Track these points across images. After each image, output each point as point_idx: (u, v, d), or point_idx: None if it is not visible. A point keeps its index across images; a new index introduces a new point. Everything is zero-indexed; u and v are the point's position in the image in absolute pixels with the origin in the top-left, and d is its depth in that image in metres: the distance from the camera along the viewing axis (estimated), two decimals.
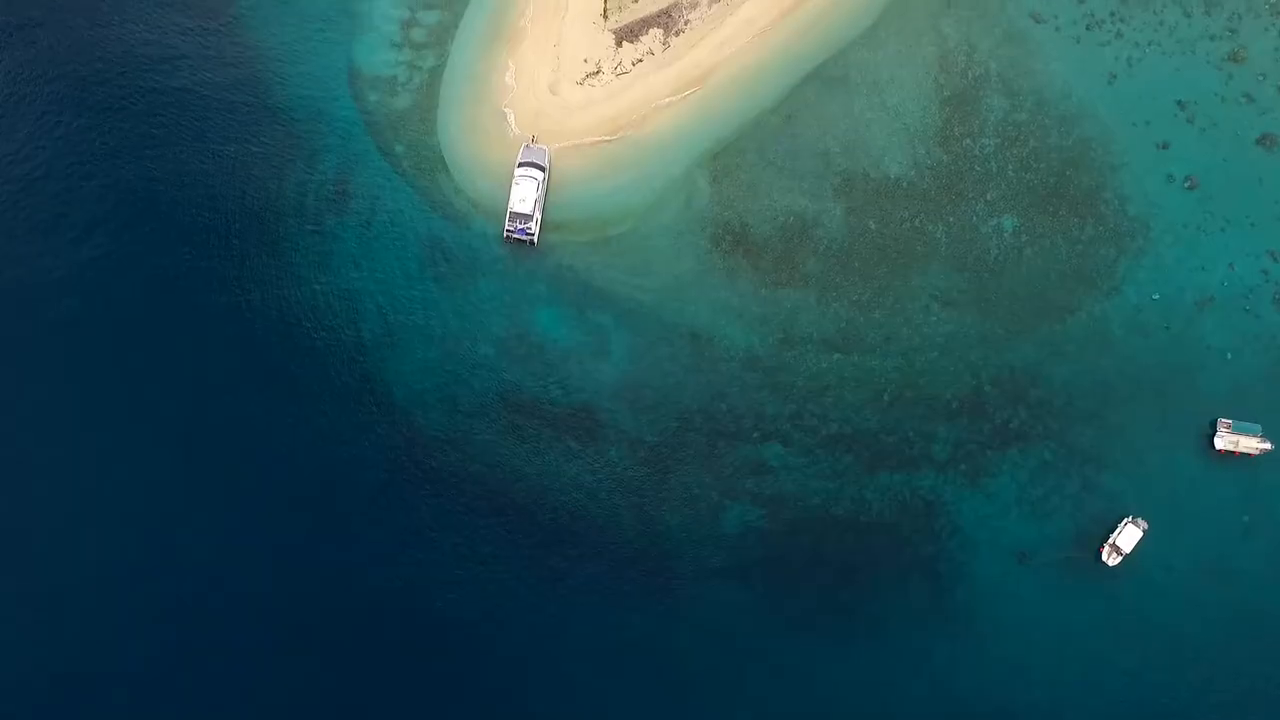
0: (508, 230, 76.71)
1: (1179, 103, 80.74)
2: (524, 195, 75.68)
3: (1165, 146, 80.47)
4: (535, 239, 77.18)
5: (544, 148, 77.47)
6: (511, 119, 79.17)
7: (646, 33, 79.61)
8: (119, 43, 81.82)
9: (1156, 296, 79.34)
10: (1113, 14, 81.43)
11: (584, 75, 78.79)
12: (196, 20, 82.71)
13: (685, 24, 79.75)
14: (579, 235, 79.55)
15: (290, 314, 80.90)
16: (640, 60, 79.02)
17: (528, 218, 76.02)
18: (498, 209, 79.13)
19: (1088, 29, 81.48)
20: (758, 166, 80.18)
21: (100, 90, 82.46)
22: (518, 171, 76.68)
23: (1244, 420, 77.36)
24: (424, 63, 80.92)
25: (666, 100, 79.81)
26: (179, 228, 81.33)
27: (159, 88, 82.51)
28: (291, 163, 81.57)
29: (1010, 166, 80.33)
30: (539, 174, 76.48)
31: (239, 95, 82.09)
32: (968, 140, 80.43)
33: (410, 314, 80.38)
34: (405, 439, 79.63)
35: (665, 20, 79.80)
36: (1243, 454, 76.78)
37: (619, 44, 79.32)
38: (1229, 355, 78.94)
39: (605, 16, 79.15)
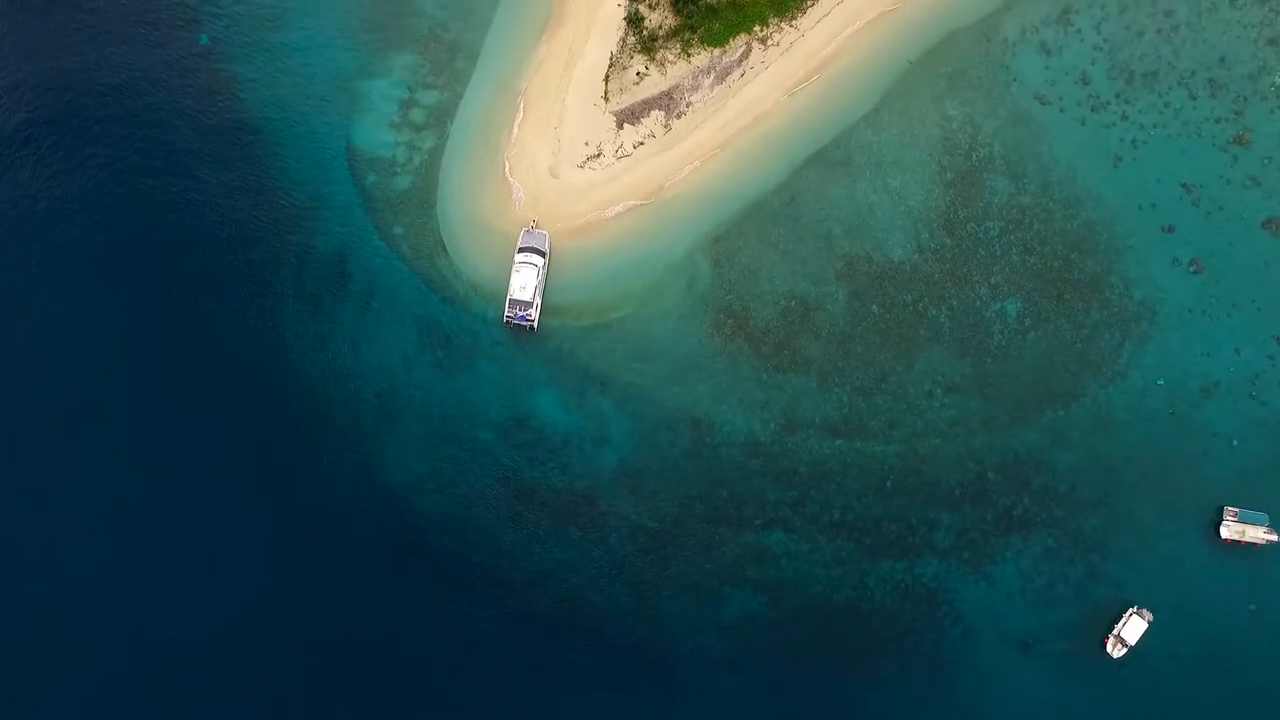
0: (508, 317, 77.53)
1: (1184, 186, 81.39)
2: (524, 282, 76.28)
3: (1171, 230, 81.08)
4: (535, 324, 77.58)
5: (544, 232, 78.06)
6: (511, 202, 79.58)
7: (648, 115, 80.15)
8: (119, 122, 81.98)
9: (1161, 382, 79.87)
10: (1118, 95, 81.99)
11: (585, 158, 79.36)
12: (194, 99, 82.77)
13: (687, 106, 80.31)
14: (579, 319, 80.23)
15: (287, 395, 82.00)
16: (642, 143, 79.59)
17: (528, 305, 76.70)
18: (497, 292, 79.73)
19: (1093, 111, 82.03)
20: (760, 249, 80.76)
21: (92, 166, 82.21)
22: (518, 257, 77.29)
23: (1250, 509, 78.10)
24: (423, 144, 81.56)
25: (668, 183, 79.94)
26: (174, 307, 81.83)
27: (156, 167, 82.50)
28: (289, 242, 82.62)
29: (1014, 250, 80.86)
30: (539, 260, 77.03)
31: (236, 174, 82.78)
32: (971, 223, 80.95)
33: (409, 397, 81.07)
34: (403, 524, 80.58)
35: (667, 102, 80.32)
36: (1249, 543, 76.86)
37: (620, 126, 79.85)
38: (1235, 442, 79.50)
39: (606, 99, 79.71)
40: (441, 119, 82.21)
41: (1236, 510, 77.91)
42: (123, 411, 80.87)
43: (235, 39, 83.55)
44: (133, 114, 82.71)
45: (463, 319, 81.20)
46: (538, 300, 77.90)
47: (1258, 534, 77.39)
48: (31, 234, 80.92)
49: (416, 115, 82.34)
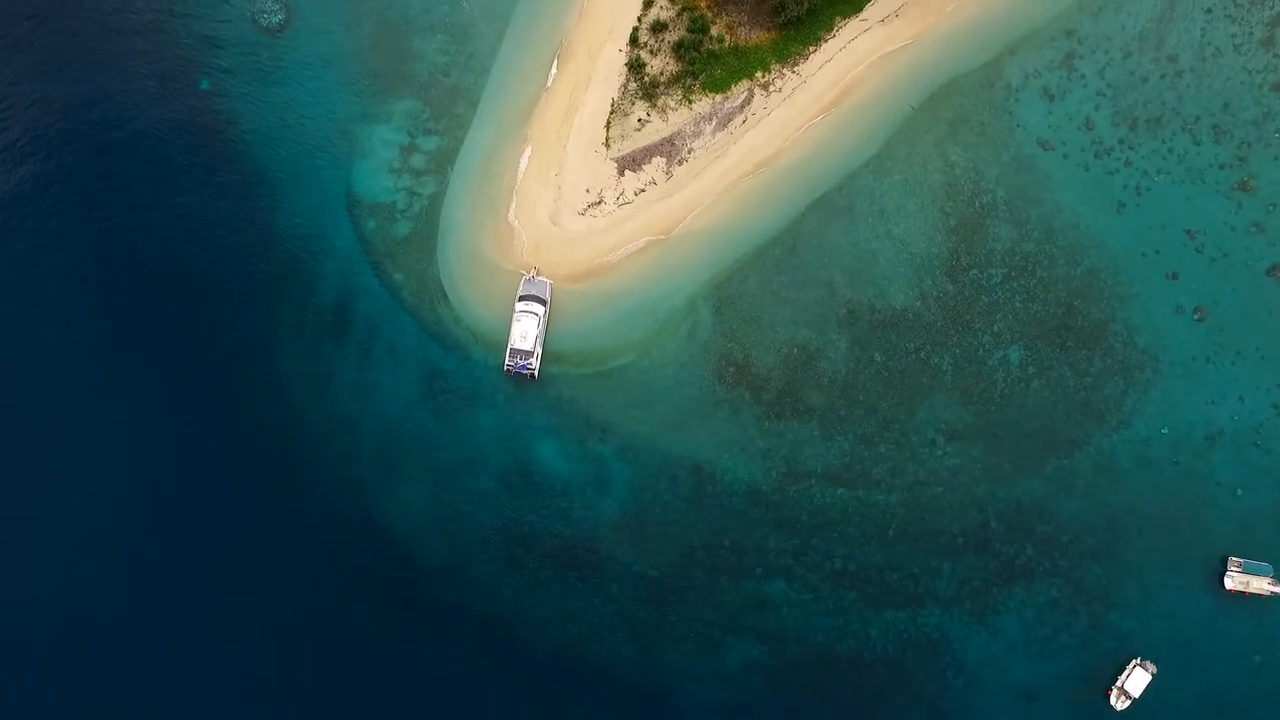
0: (508, 365, 77.87)
1: (1188, 232, 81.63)
2: (525, 331, 76.60)
3: (1174, 277, 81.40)
4: (536, 373, 77.80)
5: (545, 281, 78.36)
6: (512, 249, 79.65)
7: (649, 161, 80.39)
8: (119, 177, 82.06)
9: (1165, 431, 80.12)
10: (1121, 141, 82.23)
11: (586, 205, 79.59)
12: (194, 144, 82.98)
13: (689, 153, 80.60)
14: (580, 367, 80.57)
15: (287, 442, 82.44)
16: (643, 190, 79.85)
17: (528, 354, 77.04)
18: (498, 339, 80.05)
19: (1096, 157, 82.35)
20: (761, 297, 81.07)
21: (90, 216, 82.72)
22: (518, 306, 77.60)
23: (1254, 559, 78.23)
24: (424, 190, 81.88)
25: (668, 230, 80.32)
26: (173, 355, 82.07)
27: (154, 214, 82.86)
28: (290, 288, 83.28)
29: (1017, 297, 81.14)
30: (540, 308, 77.35)
31: (236, 218, 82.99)
32: (974, 270, 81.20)
33: (409, 444, 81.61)
34: (403, 571, 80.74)
35: (669, 149, 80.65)
36: (1253, 594, 77.05)
37: (621, 173, 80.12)
38: (1239, 492, 79.77)
39: (607, 145, 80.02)
40: (442, 165, 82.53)
41: (1241, 561, 78.20)
42: (122, 459, 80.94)
43: (235, 84, 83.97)
44: (132, 160, 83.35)
45: (463, 366, 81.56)
46: (538, 349, 78.20)
47: (1262, 585, 77.67)
48: (28, 289, 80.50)
49: (417, 161, 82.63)
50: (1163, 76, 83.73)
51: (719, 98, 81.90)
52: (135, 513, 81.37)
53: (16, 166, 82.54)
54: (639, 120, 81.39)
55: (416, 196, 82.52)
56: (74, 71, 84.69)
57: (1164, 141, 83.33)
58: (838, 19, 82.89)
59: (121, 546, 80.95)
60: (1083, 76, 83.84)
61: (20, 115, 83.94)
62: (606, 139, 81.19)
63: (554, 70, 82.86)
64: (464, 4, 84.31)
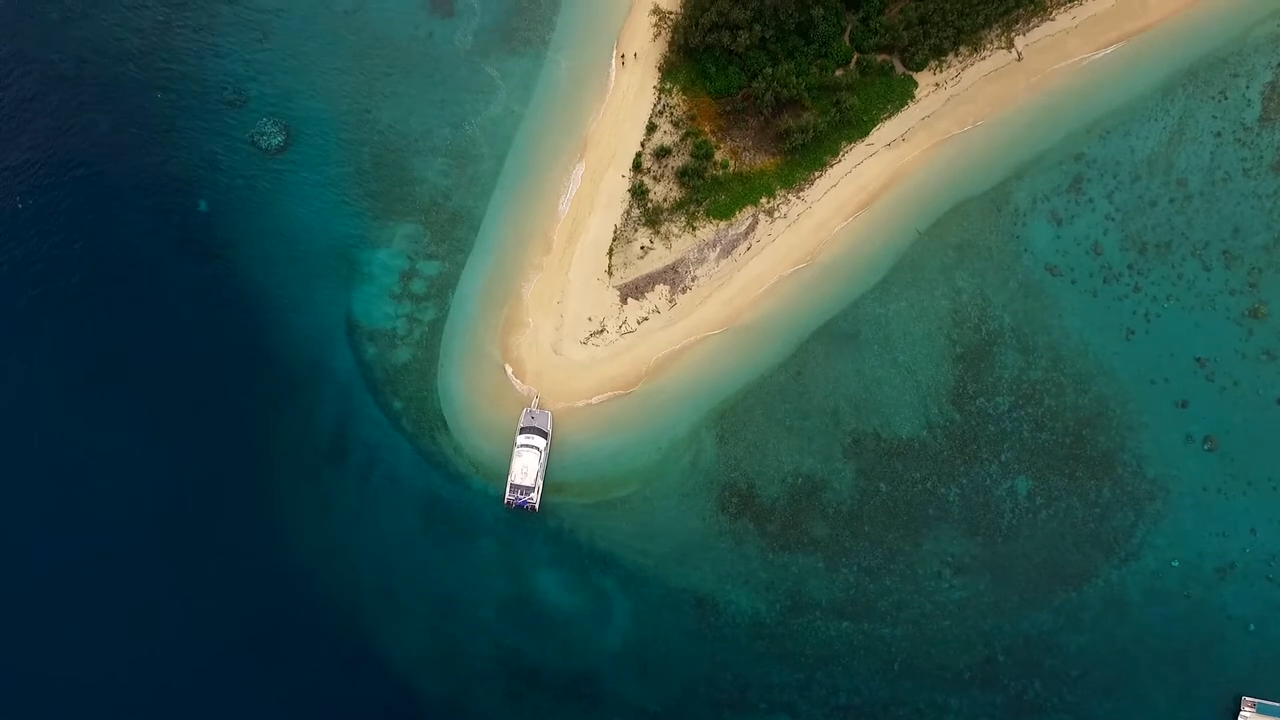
0: (509, 500, 78.66)
1: (1198, 360, 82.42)
2: (525, 466, 77.41)
3: (1184, 405, 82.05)
4: (536, 506, 78.19)
5: (546, 412, 79.25)
6: (513, 379, 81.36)
7: (652, 289, 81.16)
8: (115, 298, 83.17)
9: (1176, 563, 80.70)
10: (1130, 267, 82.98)
11: (588, 334, 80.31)
12: (195, 263, 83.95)
13: (692, 280, 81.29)
14: (582, 496, 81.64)
15: (285, 568, 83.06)
16: (646, 318, 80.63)
17: (529, 489, 78.15)
18: (498, 469, 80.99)
19: (1105, 282, 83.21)
20: (765, 426, 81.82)
21: (89, 338, 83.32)
22: (519, 439, 78.41)
23: (1269, 699, 78.63)
24: (424, 316, 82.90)
25: (672, 359, 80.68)
26: (171, 474, 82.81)
27: (151, 330, 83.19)
28: (288, 412, 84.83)
29: (1025, 426, 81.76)
30: (541, 441, 78.11)
31: (234, 342, 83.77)
32: (981, 399, 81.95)
33: (408, 573, 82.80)
34: (403, 703, 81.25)
35: (671, 276, 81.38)
36: None
37: (624, 301, 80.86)
38: (1252, 626, 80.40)
39: (610, 272, 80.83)
40: (443, 290, 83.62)
41: (1255, 701, 78.79)
42: (121, 590, 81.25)
43: (234, 205, 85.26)
44: (128, 282, 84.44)
45: (464, 495, 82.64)
46: (539, 484, 79.07)
47: None
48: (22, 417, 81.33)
49: (417, 286, 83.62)
50: (1172, 201, 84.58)
51: (723, 224, 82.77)
52: (133, 646, 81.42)
53: (18, 290, 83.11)
54: (642, 247, 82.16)
55: (417, 323, 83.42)
56: (73, 186, 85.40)
57: (1173, 267, 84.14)
58: (844, 144, 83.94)
59: (122, 680, 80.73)
60: (1091, 201, 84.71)
61: (18, 230, 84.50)
62: (609, 266, 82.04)
63: (557, 195, 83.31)
64: (465, 126, 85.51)
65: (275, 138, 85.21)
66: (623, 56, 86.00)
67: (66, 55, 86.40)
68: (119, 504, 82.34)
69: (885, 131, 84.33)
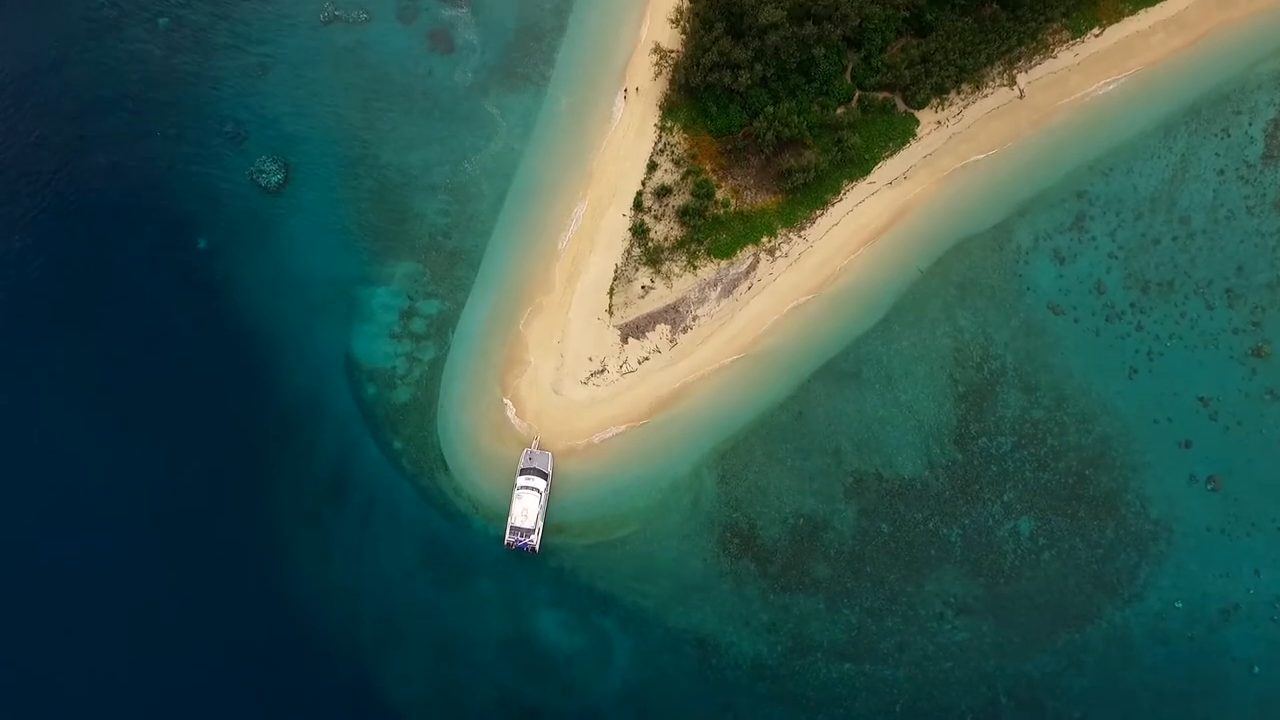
0: (509, 541, 78.68)
1: (1201, 399, 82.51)
2: (526, 508, 77.49)
3: (1187, 445, 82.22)
4: (536, 548, 78.26)
5: (547, 453, 79.36)
6: (514, 419, 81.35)
7: (653, 329, 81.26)
8: (112, 337, 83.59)
9: (1179, 604, 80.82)
10: (1133, 305, 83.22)
11: (588, 374, 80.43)
12: (193, 300, 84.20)
13: (693, 320, 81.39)
14: (582, 537, 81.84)
15: (284, 609, 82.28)
16: (647, 358, 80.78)
17: (529, 531, 78.00)
18: (498, 509, 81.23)
19: (1107, 321, 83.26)
20: (767, 466, 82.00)
21: (86, 373, 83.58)
22: (519, 481, 78.59)
23: None
24: (424, 355, 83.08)
25: (674, 398, 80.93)
26: (170, 512, 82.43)
27: (149, 367, 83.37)
28: (288, 452, 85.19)
29: (1027, 466, 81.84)
30: (541, 483, 78.28)
31: (234, 381, 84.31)
32: (984, 438, 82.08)
33: (408, 614, 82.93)
34: None
35: (673, 316, 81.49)
36: None
37: (624, 340, 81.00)
38: (1256, 668, 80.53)
39: (610, 312, 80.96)
40: (443, 329, 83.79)
41: None
42: (119, 630, 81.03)
43: (233, 243, 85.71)
44: (126, 319, 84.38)
45: (464, 535, 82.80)
46: (539, 525, 79.26)
47: None
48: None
49: (417, 325, 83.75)
50: (1175, 239, 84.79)
51: (724, 263, 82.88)
52: (131, 686, 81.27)
53: (14, 330, 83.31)
54: (643, 287, 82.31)
55: (416, 362, 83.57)
56: (71, 223, 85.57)
57: (1176, 305, 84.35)
58: (845, 182, 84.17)
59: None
60: (1093, 239, 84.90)
61: (16, 266, 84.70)
62: (610, 306, 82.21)
63: (557, 234, 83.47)
64: (465, 164, 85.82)
65: (274, 175, 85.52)
66: (625, 91, 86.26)
67: (65, 93, 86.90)
68: (116, 541, 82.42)
69: (887, 169, 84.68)
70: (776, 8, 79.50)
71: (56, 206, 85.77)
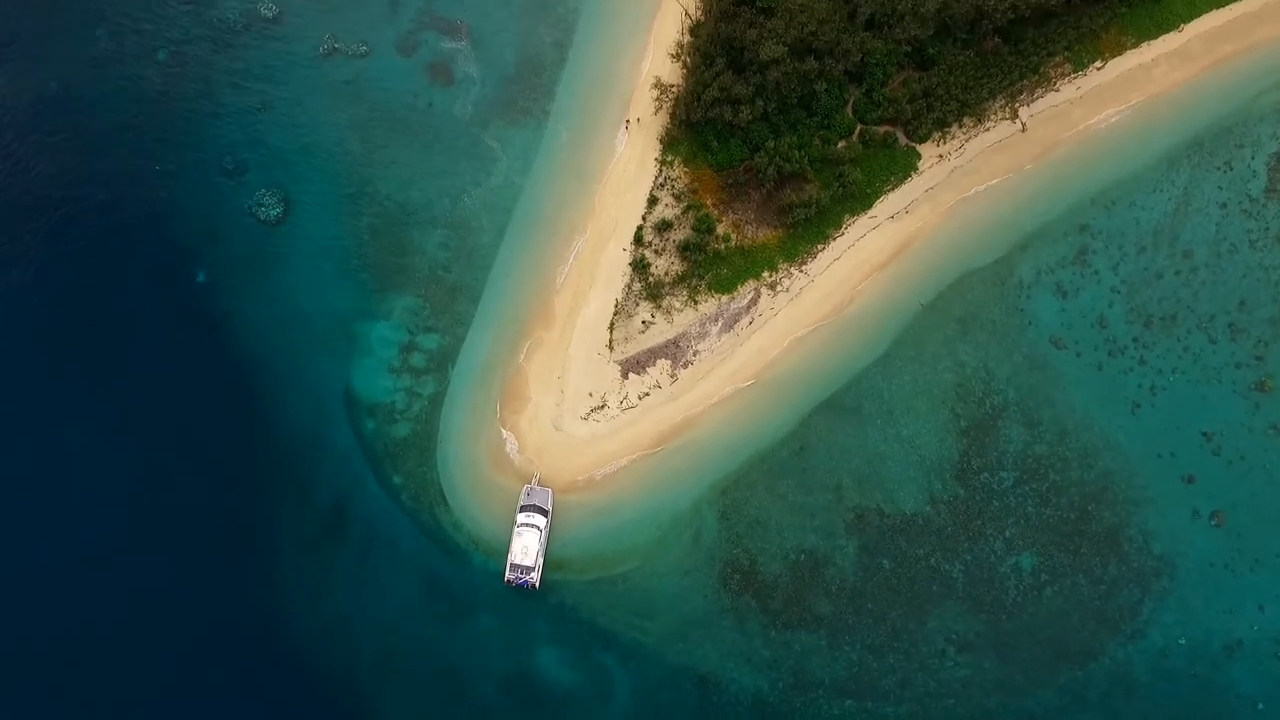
0: (509, 579, 78.80)
1: (1204, 434, 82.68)
2: (526, 546, 77.75)
3: (1191, 480, 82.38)
4: (537, 585, 78.28)
5: (547, 490, 79.45)
6: (514, 454, 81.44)
7: (654, 364, 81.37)
8: (110, 371, 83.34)
9: (1183, 641, 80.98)
10: (1135, 340, 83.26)
11: (589, 409, 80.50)
12: (191, 334, 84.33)
13: (694, 355, 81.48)
14: (583, 573, 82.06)
15: (283, 644, 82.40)
16: (648, 393, 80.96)
17: (529, 569, 77.86)
18: (498, 545, 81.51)
19: (1110, 355, 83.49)
20: (768, 501, 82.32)
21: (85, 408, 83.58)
22: (519, 518, 78.74)
23: None
24: (423, 390, 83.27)
25: (674, 434, 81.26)
26: (167, 547, 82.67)
27: (148, 400, 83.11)
28: (287, 486, 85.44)
29: (1029, 502, 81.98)
30: (541, 520, 78.49)
31: (233, 415, 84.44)
32: (985, 474, 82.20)
33: (408, 649, 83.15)
34: None
35: (673, 351, 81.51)
36: None
37: (625, 376, 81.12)
38: (1260, 705, 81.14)
39: (611, 347, 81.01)
40: (442, 364, 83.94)
41: None
42: (118, 664, 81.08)
43: (231, 277, 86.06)
44: (124, 354, 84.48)
45: (463, 571, 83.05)
46: (540, 562, 79.49)
47: None
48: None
49: (417, 360, 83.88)
50: (1177, 273, 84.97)
51: (725, 298, 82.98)
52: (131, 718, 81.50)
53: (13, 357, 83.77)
54: (643, 322, 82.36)
55: (416, 397, 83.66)
56: (69, 257, 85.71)
57: (1179, 340, 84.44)
58: (846, 217, 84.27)
59: None
60: (1096, 273, 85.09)
61: (15, 298, 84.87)
62: (610, 341, 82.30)
63: (556, 268, 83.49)
64: (465, 198, 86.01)
65: (273, 209, 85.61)
66: (628, 122, 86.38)
67: (65, 127, 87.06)
68: (116, 574, 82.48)
69: (888, 204, 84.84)
70: (778, 43, 79.64)
71: (56, 240, 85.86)
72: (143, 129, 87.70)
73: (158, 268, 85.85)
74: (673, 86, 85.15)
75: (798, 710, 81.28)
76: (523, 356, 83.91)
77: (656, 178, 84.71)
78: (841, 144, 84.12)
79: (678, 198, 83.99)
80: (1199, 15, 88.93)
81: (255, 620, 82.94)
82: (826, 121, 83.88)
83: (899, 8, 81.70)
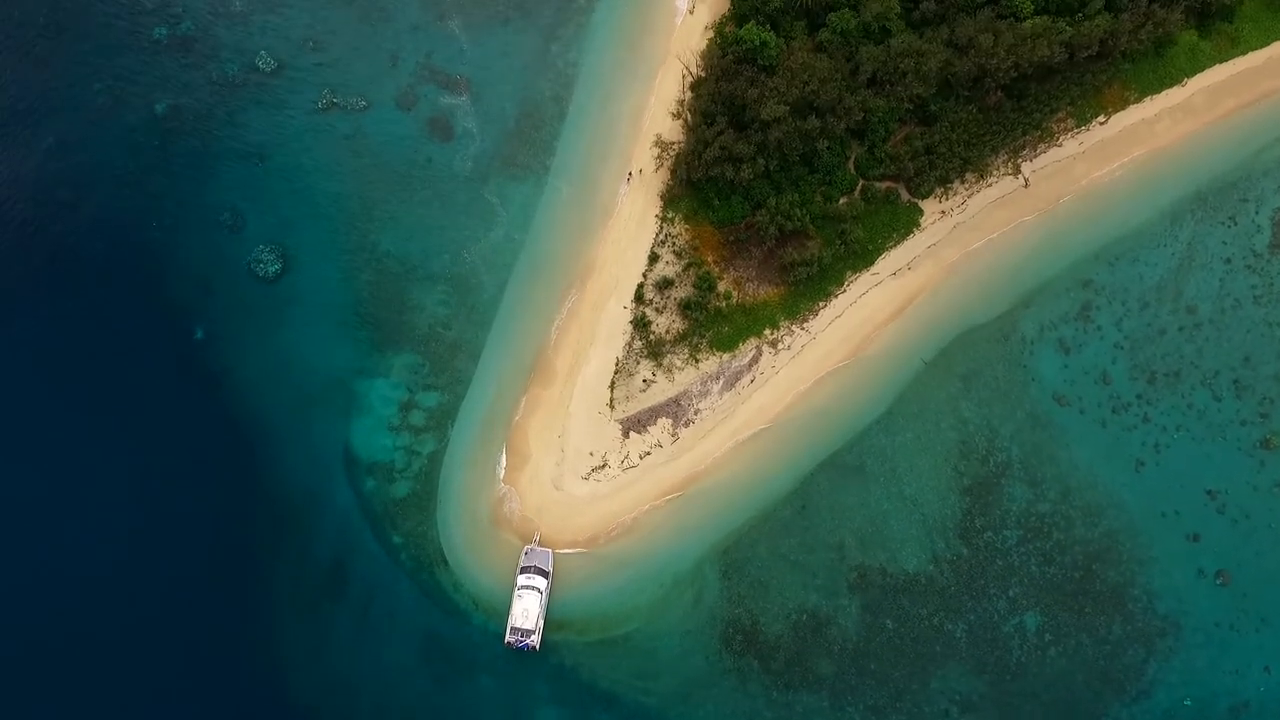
0: (509, 641, 78.86)
1: (1209, 492, 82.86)
2: (526, 608, 77.93)
3: (1195, 539, 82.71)
4: (537, 647, 78.17)
5: (547, 551, 79.69)
6: (514, 514, 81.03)
7: (655, 423, 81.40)
8: (106, 427, 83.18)
9: (1188, 702, 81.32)
10: (1139, 396, 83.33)
11: (589, 469, 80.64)
12: (189, 391, 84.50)
13: (695, 413, 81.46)
14: (584, 634, 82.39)
15: (283, 704, 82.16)
16: (649, 452, 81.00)
17: (530, 631, 77.79)
18: (498, 606, 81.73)
19: (1114, 412, 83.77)
20: (770, 561, 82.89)
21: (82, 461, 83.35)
22: (520, 579, 79.08)
23: None
24: (423, 448, 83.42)
25: (675, 493, 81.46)
26: (168, 607, 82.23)
27: (145, 460, 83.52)
28: (285, 547, 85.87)
29: (1033, 561, 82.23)
30: (542, 581, 78.85)
31: (231, 473, 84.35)
32: (989, 533, 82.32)
33: (407, 710, 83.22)
34: None
35: (674, 410, 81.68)
36: None
37: (626, 435, 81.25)
38: None
39: (611, 406, 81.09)
40: (442, 422, 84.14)
41: None
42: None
43: (230, 333, 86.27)
44: (123, 415, 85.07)
45: (463, 632, 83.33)
46: (540, 624, 79.82)
47: None
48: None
49: (416, 418, 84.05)
50: (1181, 329, 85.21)
51: (726, 356, 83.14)
52: None
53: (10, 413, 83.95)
54: (644, 380, 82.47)
55: (416, 455, 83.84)
56: (68, 311, 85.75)
57: (1183, 396, 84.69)
58: (848, 274, 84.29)
59: None
60: (1099, 329, 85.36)
61: (13, 354, 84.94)
62: (611, 400, 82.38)
63: (558, 326, 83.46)
64: (465, 254, 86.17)
65: (272, 265, 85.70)
66: (630, 174, 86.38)
67: (62, 181, 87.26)
68: (116, 630, 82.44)
69: (890, 260, 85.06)
70: (779, 102, 79.84)
71: (52, 295, 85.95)
72: (140, 183, 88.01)
73: (155, 323, 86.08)
74: (674, 144, 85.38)
75: None
76: (522, 415, 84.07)
77: (657, 235, 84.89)
78: (843, 200, 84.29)
79: (679, 255, 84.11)
80: (1202, 69, 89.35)
81: (255, 680, 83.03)
82: (828, 178, 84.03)
83: (901, 66, 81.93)
